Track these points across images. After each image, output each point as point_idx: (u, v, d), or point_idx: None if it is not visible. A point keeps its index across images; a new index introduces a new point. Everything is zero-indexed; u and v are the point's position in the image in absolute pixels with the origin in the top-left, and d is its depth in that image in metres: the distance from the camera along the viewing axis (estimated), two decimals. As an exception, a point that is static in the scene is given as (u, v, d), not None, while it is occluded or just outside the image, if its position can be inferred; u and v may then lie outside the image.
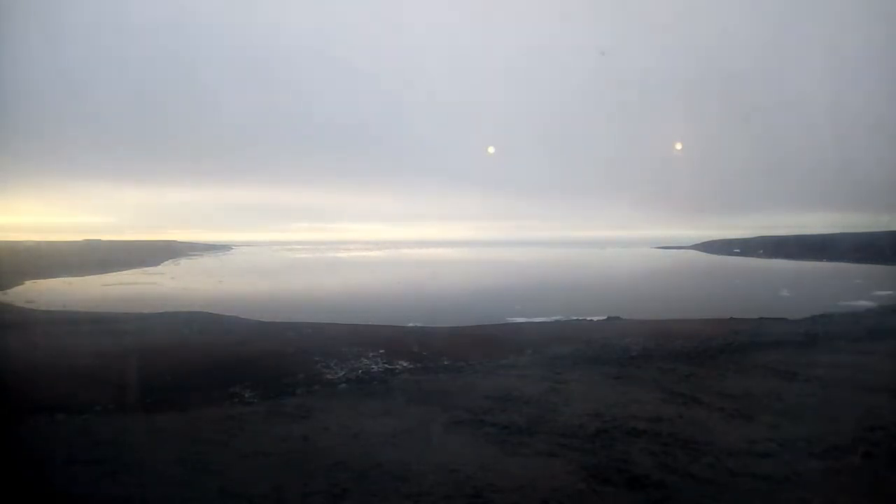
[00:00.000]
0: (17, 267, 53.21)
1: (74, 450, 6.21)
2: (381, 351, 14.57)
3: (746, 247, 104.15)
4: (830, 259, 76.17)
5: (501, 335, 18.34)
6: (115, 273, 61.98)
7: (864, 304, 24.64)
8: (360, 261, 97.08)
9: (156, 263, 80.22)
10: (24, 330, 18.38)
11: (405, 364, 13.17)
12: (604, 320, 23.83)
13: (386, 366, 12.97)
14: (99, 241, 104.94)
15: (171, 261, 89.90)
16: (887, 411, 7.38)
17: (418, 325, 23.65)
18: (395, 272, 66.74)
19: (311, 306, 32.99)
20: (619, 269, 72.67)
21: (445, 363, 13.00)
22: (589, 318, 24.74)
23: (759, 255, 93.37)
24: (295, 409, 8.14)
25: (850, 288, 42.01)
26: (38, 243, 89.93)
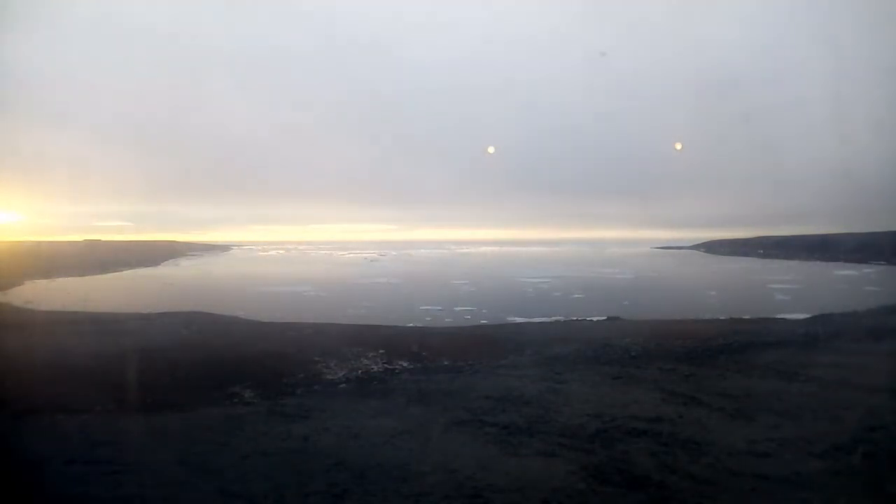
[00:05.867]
0: (17, 267, 53.20)
1: (74, 450, 6.21)
2: (381, 351, 14.56)
3: (746, 246, 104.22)
4: (830, 259, 76.32)
5: (501, 335, 18.33)
6: (115, 273, 62.03)
7: (863, 304, 24.63)
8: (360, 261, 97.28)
9: (156, 264, 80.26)
10: (24, 330, 18.36)
11: (405, 364, 13.17)
12: (604, 320, 23.83)
13: (386, 366, 12.97)
14: (99, 241, 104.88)
15: (171, 261, 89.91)
16: (887, 411, 7.38)
17: (418, 325, 23.67)
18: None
19: (308, 304, 33.02)
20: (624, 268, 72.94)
21: (445, 363, 12.99)
22: (589, 318, 24.76)
23: (758, 255, 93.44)
24: (295, 410, 8.13)
25: (850, 288, 42.06)
26: (38, 243, 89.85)
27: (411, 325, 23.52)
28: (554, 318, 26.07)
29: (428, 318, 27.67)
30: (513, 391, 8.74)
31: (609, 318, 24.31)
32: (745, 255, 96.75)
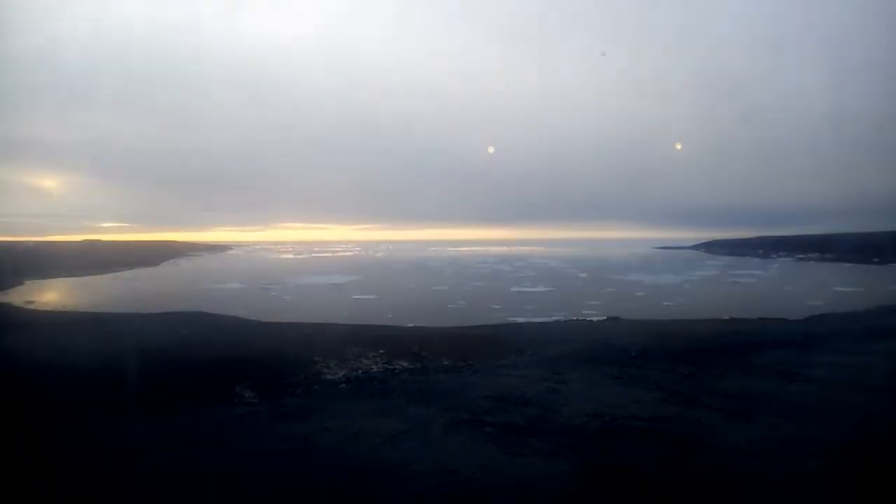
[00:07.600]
0: (17, 267, 53.16)
1: (74, 450, 6.21)
2: (381, 351, 14.58)
3: (746, 246, 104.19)
4: (830, 259, 76.35)
5: (501, 335, 18.35)
6: (114, 273, 61.99)
7: (863, 304, 24.62)
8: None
9: (155, 264, 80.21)
10: (24, 330, 18.37)
11: (405, 364, 13.18)
12: (604, 320, 23.86)
13: (386, 366, 12.98)
14: (99, 241, 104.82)
15: (171, 261, 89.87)
16: (887, 411, 7.38)
17: (418, 325, 23.67)
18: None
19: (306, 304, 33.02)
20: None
21: (445, 363, 13.01)
22: (589, 318, 24.78)
23: (759, 255, 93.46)
24: (295, 410, 8.14)
25: (850, 288, 42.03)
26: (38, 243, 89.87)
27: (411, 325, 23.52)
28: (554, 318, 26.09)
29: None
30: (513, 391, 8.74)
31: (609, 318, 24.35)
32: (745, 255, 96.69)
